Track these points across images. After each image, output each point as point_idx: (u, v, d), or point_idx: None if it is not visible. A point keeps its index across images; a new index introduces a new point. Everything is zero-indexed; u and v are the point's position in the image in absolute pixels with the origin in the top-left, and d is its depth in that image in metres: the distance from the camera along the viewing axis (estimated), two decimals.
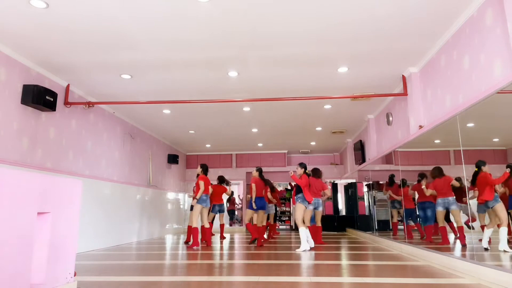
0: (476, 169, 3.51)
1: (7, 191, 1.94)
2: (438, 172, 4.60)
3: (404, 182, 5.57)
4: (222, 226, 8.34)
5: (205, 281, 3.30)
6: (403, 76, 5.42)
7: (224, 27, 4.04)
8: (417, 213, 5.28)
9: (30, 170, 4.77)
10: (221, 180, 7.93)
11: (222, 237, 8.10)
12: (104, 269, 4.07)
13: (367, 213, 8.39)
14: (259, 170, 6.81)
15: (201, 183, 6.38)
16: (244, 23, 3.97)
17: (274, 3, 3.59)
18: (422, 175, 4.94)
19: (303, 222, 5.90)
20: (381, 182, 7.39)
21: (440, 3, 3.60)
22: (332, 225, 10.55)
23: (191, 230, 6.54)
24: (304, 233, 5.72)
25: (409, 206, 5.51)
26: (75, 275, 2.56)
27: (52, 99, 5.01)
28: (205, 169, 6.63)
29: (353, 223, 9.83)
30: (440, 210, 4.49)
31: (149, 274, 3.70)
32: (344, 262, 4.42)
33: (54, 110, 5.10)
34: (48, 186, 2.28)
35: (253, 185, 6.61)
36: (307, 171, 6.13)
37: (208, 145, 11.06)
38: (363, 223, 8.59)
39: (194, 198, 6.46)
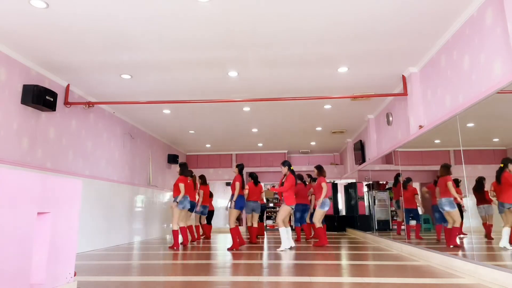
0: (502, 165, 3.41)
1: (7, 191, 1.94)
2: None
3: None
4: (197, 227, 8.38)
5: (205, 281, 3.30)
6: (403, 76, 5.42)
7: (224, 27, 4.04)
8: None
9: (30, 170, 4.77)
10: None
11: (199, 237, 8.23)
12: (104, 269, 4.07)
13: (367, 213, 8.39)
14: (239, 167, 6.29)
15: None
16: (244, 23, 3.97)
17: (274, 3, 3.59)
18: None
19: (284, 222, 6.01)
20: (381, 182, 7.39)
21: (440, 3, 3.60)
22: (332, 225, 10.55)
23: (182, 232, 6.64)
24: (285, 232, 5.86)
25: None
26: (75, 275, 2.56)
27: (52, 99, 5.01)
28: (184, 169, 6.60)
29: (353, 223, 9.83)
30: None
31: (149, 274, 3.70)
32: (344, 262, 4.42)
33: (54, 110, 5.10)
34: (48, 186, 2.28)
35: (237, 184, 6.16)
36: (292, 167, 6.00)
37: (208, 145, 11.06)
38: (363, 223, 8.59)
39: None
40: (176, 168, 11.12)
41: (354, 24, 4.00)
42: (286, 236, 5.79)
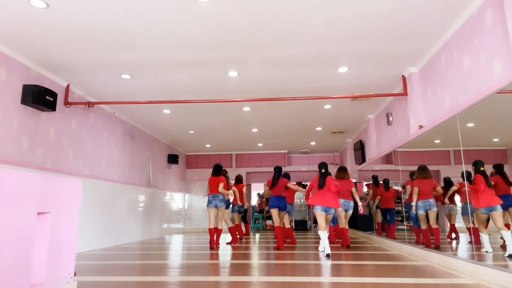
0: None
1: (7, 191, 1.94)
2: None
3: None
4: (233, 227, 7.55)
5: (205, 281, 3.30)
6: (403, 76, 5.42)
7: (224, 26, 4.04)
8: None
9: (30, 170, 4.77)
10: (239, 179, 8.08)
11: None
12: (104, 269, 4.07)
13: (367, 213, 8.39)
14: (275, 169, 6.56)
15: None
16: (244, 23, 3.97)
17: (274, 3, 3.59)
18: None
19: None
20: (381, 182, 7.39)
21: (440, 3, 3.60)
22: None
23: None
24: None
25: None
26: (75, 275, 2.56)
27: (52, 99, 5.00)
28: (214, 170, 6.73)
29: (353, 223, 9.82)
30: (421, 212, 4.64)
31: (149, 274, 3.70)
32: (344, 262, 4.42)
33: (54, 110, 5.10)
34: (48, 186, 2.28)
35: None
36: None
37: (208, 145, 11.06)
38: (364, 223, 8.59)
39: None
40: (175, 168, 11.15)
41: (354, 24, 4.00)
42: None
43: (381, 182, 6.85)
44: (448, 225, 4.35)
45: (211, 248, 6.19)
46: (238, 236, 7.93)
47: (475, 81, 3.67)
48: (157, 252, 5.78)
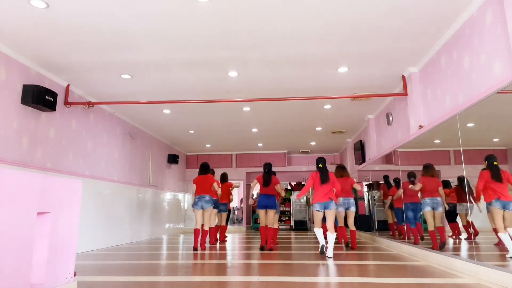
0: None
1: (7, 191, 1.94)
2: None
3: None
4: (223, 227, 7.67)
5: (205, 281, 3.30)
6: (403, 76, 5.42)
7: (224, 26, 4.04)
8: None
9: (30, 170, 4.77)
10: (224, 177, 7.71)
11: (222, 239, 7.65)
12: (104, 269, 4.07)
13: (367, 213, 8.39)
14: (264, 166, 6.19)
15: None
16: (244, 23, 3.97)
17: (274, 3, 3.59)
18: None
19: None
20: (381, 182, 7.39)
21: (440, 3, 3.60)
22: None
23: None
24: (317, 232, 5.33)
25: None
26: (75, 275, 2.56)
27: (52, 99, 5.00)
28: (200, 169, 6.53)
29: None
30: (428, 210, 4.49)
31: (148, 274, 3.70)
32: (344, 262, 4.42)
33: (54, 110, 5.10)
34: (48, 186, 2.28)
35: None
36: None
37: (208, 145, 11.06)
38: (363, 223, 8.59)
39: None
40: (175, 167, 11.15)
41: (354, 24, 4.00)
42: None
43: (392, 182, 6.71)
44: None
45: (194, 248, 5.88)
46: (218, 237, 7.62)
47: (475, 81, 3.67)
48: (157, 252, 5.78)
